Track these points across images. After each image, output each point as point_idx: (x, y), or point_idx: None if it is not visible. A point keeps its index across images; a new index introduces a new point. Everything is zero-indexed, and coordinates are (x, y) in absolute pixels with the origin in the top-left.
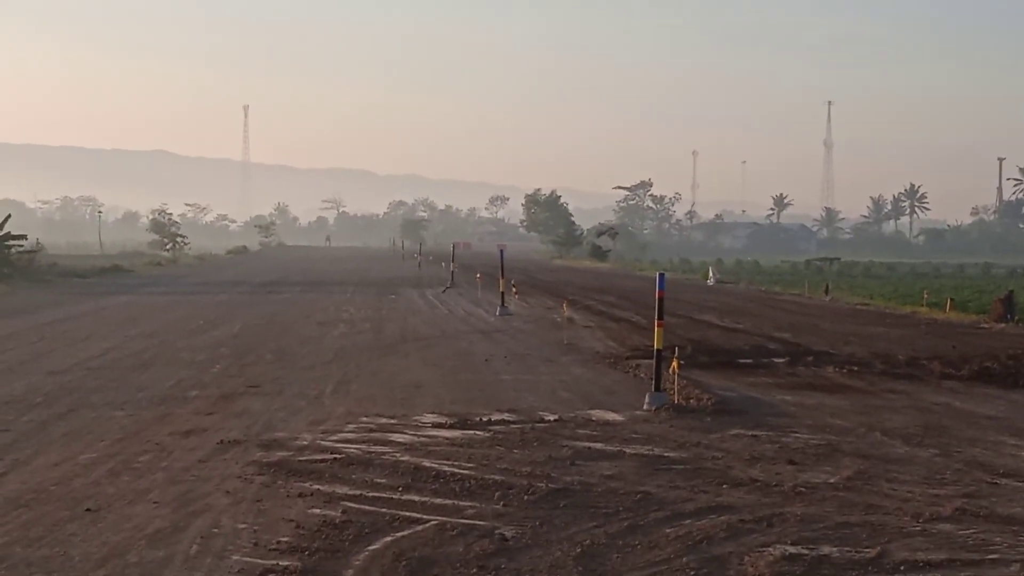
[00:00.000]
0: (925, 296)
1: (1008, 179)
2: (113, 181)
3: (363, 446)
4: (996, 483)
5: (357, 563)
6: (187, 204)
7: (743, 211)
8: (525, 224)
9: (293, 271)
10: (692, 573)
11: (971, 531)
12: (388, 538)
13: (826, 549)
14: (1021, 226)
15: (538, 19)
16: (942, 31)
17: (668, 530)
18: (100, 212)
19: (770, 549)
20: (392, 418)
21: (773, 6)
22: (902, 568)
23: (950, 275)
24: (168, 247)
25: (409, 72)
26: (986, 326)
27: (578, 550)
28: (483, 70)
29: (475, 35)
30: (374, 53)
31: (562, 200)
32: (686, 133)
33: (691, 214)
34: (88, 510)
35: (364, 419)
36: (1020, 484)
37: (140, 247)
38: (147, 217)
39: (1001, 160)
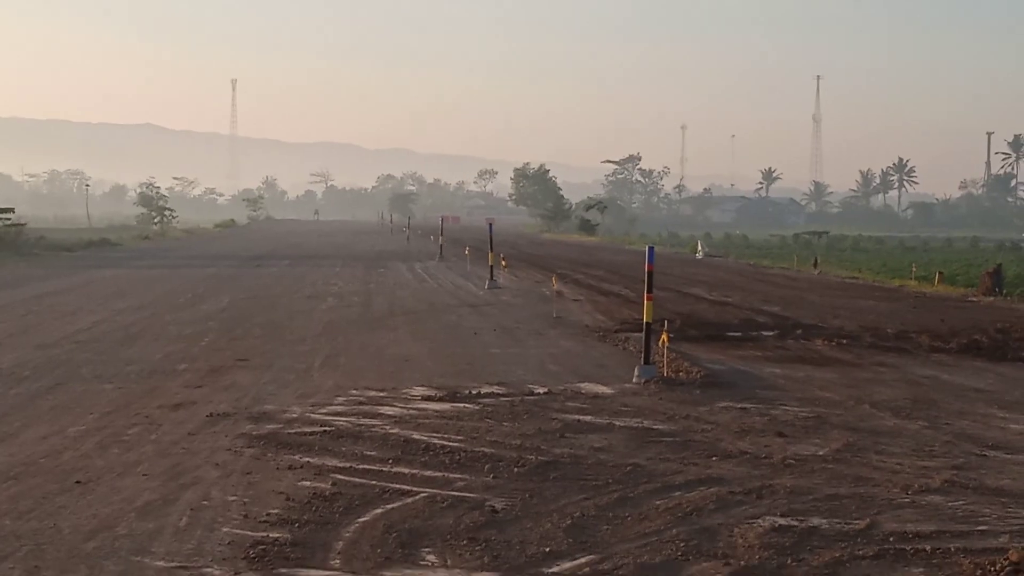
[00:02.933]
0: (913, 270)
1: (996, 153)
2: (100, 155)
3: (352, 419)
4: (985, 455)
5: (347, 535)
6: (175, 178)
7: (732, 185)
8: (513, 198)
9: (281, 245)
10: (682, 545)
11: (960, 503)
12: (378, 510)
13: (815, 521)
14: (1009, 200)
15: None
16: (932, 4)
17: (658, 502)
18: (87, 186)
19: (759, 521)
20: (381, 391)
21: None
22: (891, 539)
23: (938, 249)
24: (156, 221)
25: (397, 46)
26: (974, 299)
27: (568, 522)
28: (472, 44)
29: (464, 7)
30: (362, 27)
31: (551, 174)
32: (675, 107)
33: (680, 188)
34: (78, 483)
35: (353, 392)
36: (1009, 456)
37: (128, 221)
38: (135, 191)
39: (990, 134)
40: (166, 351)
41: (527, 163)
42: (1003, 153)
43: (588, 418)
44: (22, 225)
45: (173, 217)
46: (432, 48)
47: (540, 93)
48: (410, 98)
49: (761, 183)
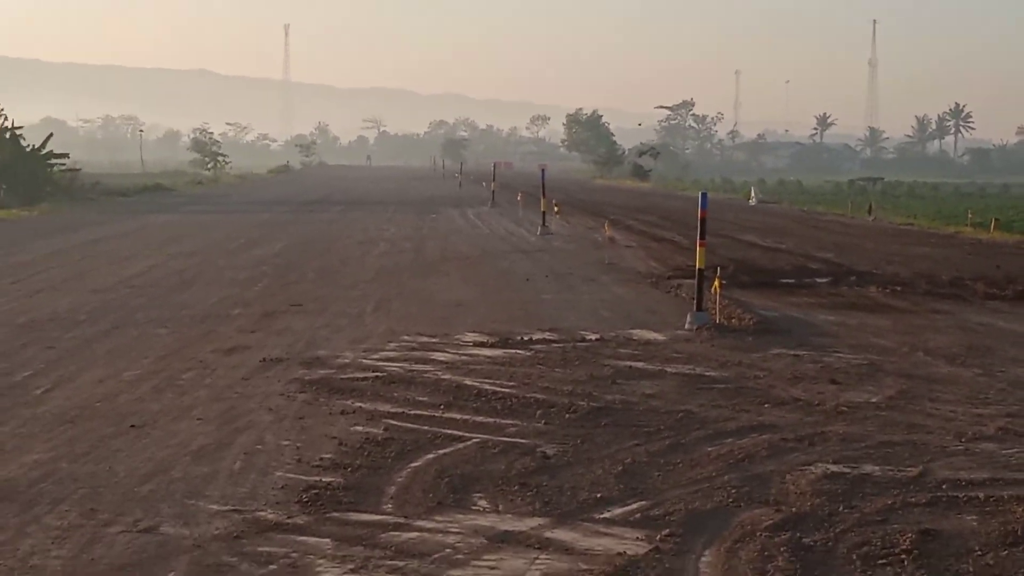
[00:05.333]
0: (970, 216)
1: None
2: (154, 100)
3: (404, 364)
4: None
5: (399, 480)
6: (228, 123)
7: (786, 131)
8: (566, 144)
9: (334, 190)
10: (734, 491)
11: (1014, 450)
12: (430, 455)
13: (868, 468)
14: None
15: None
16: None
17: (710, 448)
18: (141, 131)
19: (812, 468)
20: (433, 337)
21: None
22: (944, 487)
23: (995, 195)
24: (209, 166)
25: None
26: None
27: (619, 468)
28: None
29: None
30: None
31: (604, 120)
32: (729, 52)
33: (733, 134)
34: (133, 426)
35: (405, 338)
36: None
37: (181, 166)
38: (188, 136)
39: None
40: (220, 296)
41: (579, 108)
42: None
43: (640, 364)
44: (77, 170)
45: (226, 163)
46: None
47: (594, 38)
48: (464, 43)
49: (816, 128)
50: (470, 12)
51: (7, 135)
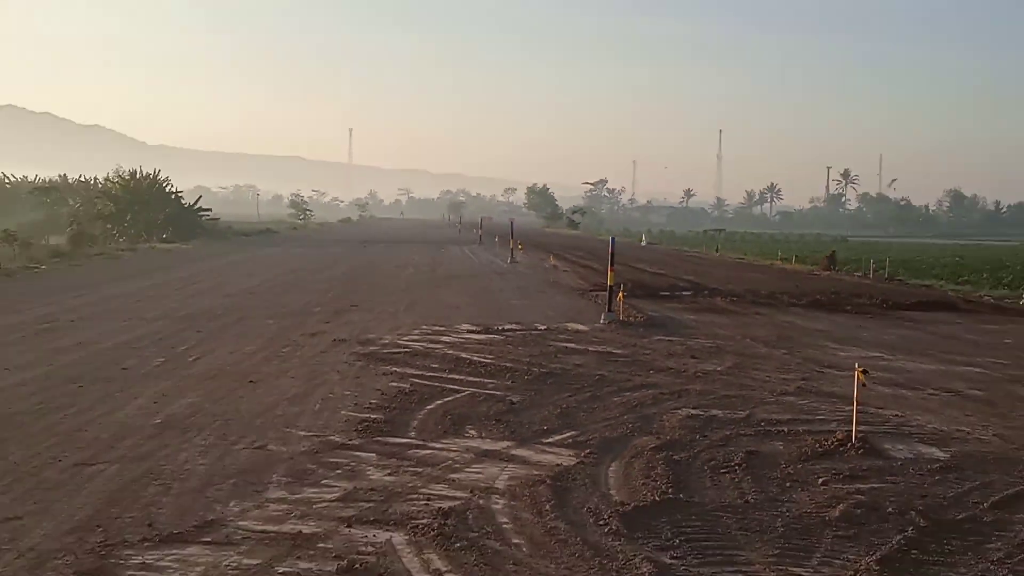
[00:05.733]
0: (779, 254)
1: (833, 180)
2: (263, 175)
3: (423, 344)
4: (822, 372)
5: (420, 417)
6: (313, 190)
7: (664, 199)
8: (526, 205)
9: (379, 234)
10: (630, 426)
11: (806, 402)
12: (439, 401)
13: (714, 411)
14: (840, 210)
15: (544, 73)
16: (788, 84)
17: (615, 399)
18: (258, 195)
19: (679, 411)
20: (441, 326)
21: (672, 70)
22: (762, 424)
23: (796, 241)
24: (300, 218)
25: (466, 100)
26: (817, 273)
27: (558, 411)
28: (521, 98)
29: (528, 80)
30: (437, 86)
31: (549, 190)
32: (630, 147)
33: (631, 200)
34: (251, 382)
35: (424, 327)
36: (838, 373)
37: (283, 218)
38: (287, 198)
39: (828, 168)
40: (306, 300)
41: (535, 183)
42: (836, 180)
43: (572, 345)
44: (216, 219)
45: (311, 215)
46: (486, 103)
47: (542, 137)
48: (463, 138)
49: (683, 198)
50: (469, 117)
51: (173, 197)
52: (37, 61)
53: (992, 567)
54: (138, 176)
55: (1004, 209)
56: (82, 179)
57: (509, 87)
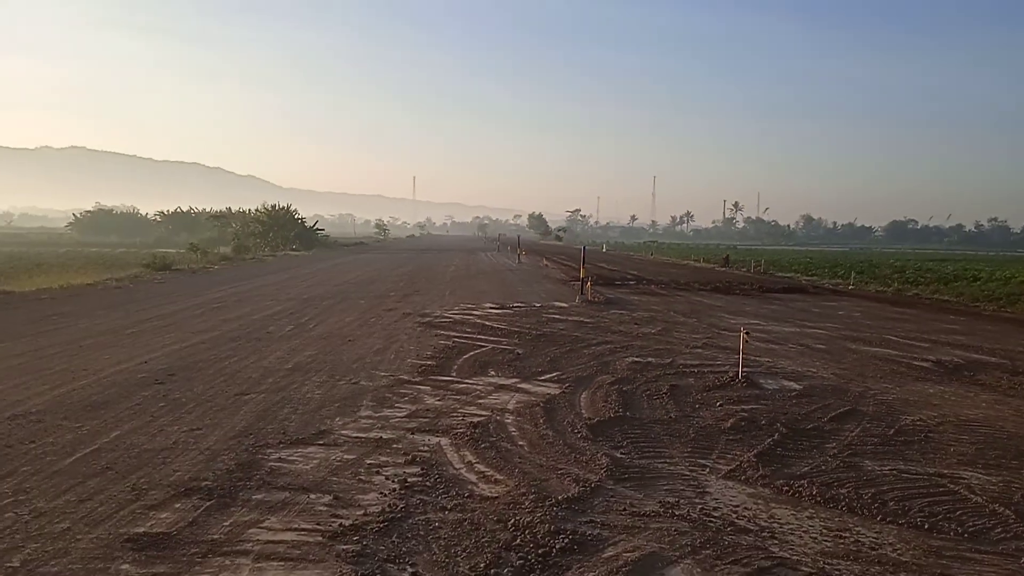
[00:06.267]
0: (693, 257)
1: (728, 208)
2: (358, 207)
3: (461, 316)
4: (720, 333)
5: (458, 363)
6: (390, 217)
7: (619, 221)
8: (528, 226)
9: (433, 245)
10: (595, 368)
11: (709, 352)
12: (471, 353)
13: (650, 359)
14: (732, 228)
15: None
16: (701, 145)
17: (586, 351)
18: (355, 220)
19: (627, 358)
20: (473, 304)
21: (626, 139)
22: (681, 366)
23: (704, 248)
24: (381, 235)
25: (486, 155)
26: (718, 269)
27: (548, 359)
28: (528, 156)
29: (533, 140)
30: (471, 146)
31: (543, 216)
32: (596, 187)
33: (596, 222)
34: (349, 340)
35: (461, 305)
36: (729, 334)
37: (370, 235)
38: (374, 222)
39: (724, 200)
40: (385, 288)
41: (533, 211)
42: (730, 208)
43: (557, 316)
44: (328, 236)
45: (388, 233)
46: (503, 145)
47: (543, 176)
48: (486, 179)
49: (631, 220)
50: (491, 164)
51: (299, 221)
52: (220, 129)
53: (829, 458)
54: (277, 208)
55: (839, 227)
56: (241, 210)
57: (520, 150)
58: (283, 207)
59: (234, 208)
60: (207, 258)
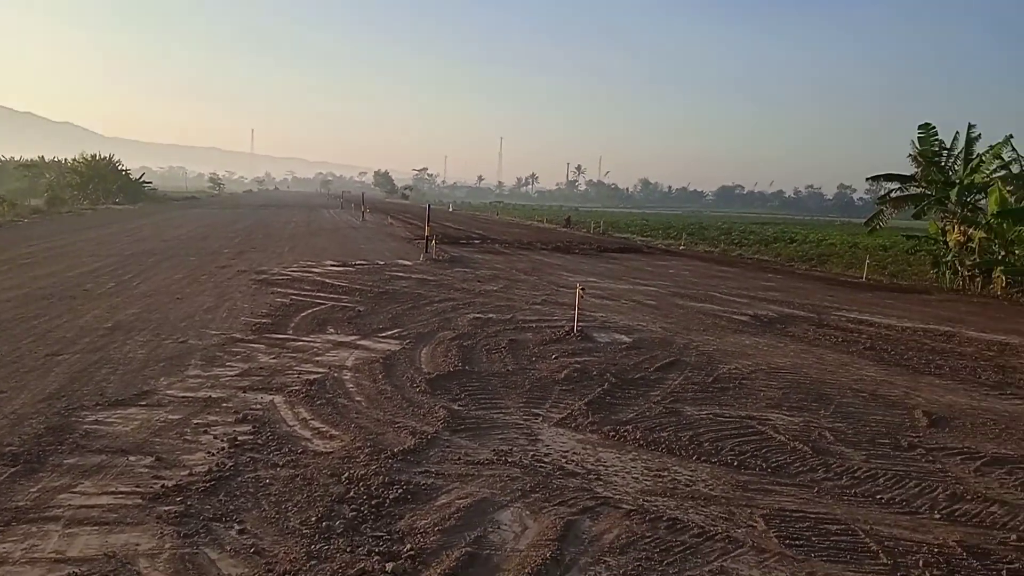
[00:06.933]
0: (537, 218)
1: (571, 171)
2: (190, 160)
3: (300, 273)
4: (558, 290)
5: (296, 321)
6: (225, 171)
7: (465, 181)
8: (374, 184)
9: (271, 201)
10: (436, 324)
11: (548, 309)
12: (309, 311)
13: (491, 315)
14: (575, 191)
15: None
16: (548, 111)
17: (428, 307)
18: (186, 173)
19: (468, 315)
20: (312, 262)
21: (469, 98)
22: (520, 321)
23: (548, 209)
24: (215, 190)
25: (328, 109)
26: (560, 229)
27: (390, 316)
28: (374, 107)
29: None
30: (313, 99)
31: (389, 174)
32: (443, 146)
33: (444, 182)
34: (177, 298)
35: (301, 262)
36: (568, 291)
37: (204, 190)
38: (207, 176)
39: (568, 163)
40: (218, 244)
41: (379, 168)
42: (573, 171)
43: (400, 274)
44: (155, 188)
45: (223, 187)
46: (344, 106)
47: (389, 134)
48: (327, 133)
49: (478, 180)
50: (334, 120)
51: (124, 173)
52: (23, 65)
53: (652, 405)
54: (97, 158)
55: (674, 191)
56: (56, 159)
57: (366, 100)
58: (104, 157)
59: (47, 157)
60: (15, 211)
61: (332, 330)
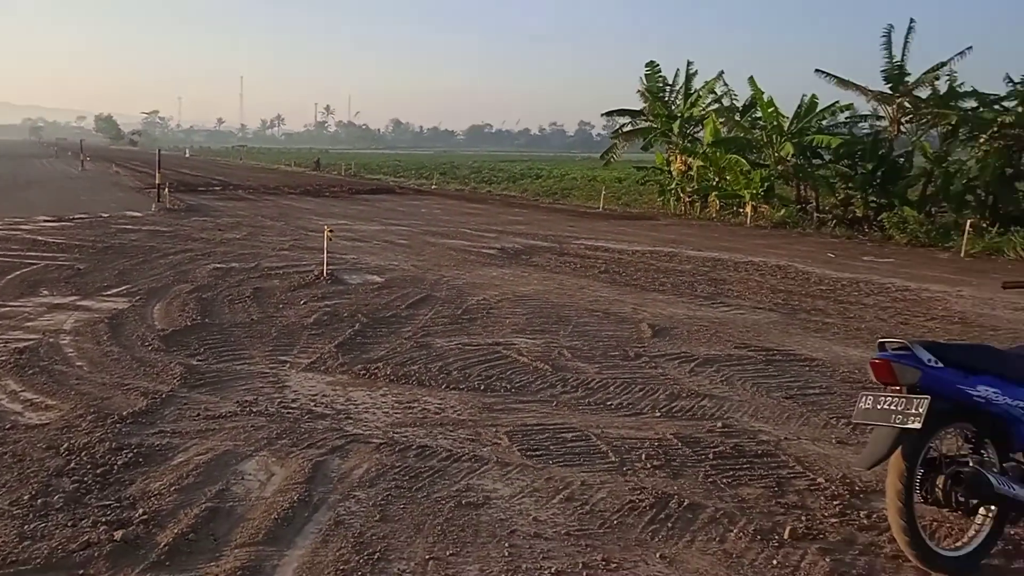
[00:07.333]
0: (285, 162)
1: (319, 112)
2: None
3: (5, 232)
4: (307, 235)
5: (3, 282)
6: None
7: (203, 124)
8: (96, 130)
9: None
10: (171, 278)
11: (296, 254)
12: (19, 272)
13: (234, 264)
14: (324, 132)
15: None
16: (290, 49)
17: (161, 261)
18: None
19: (208, 265)
20: (22, 219)
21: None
22: (265, 270)
23: (296, 152)
24: None
25: (36, 42)
26: (310, 172)
27: (116, 272)
28: (90, 39)
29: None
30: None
31: (114, 118)
32: (175, 87)
33: (179, 125)
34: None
35: (7, 219)
36: (318, 235)
37: None
38: None
39: (316, 103)
40: None
41: (101, 112)
42: (322, 112)
43: (129, 226)
44: None
45: None
46: (58, 41)
47: (113, 74)
48: (44, 73)
49: (216, 123)
50: (48, 49)
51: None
52: None
53: (404, 341)
54: None
55: (425, 131)
56: None
57: (84, 32)
58: None
59: None
60: None
61: (46, 291)
